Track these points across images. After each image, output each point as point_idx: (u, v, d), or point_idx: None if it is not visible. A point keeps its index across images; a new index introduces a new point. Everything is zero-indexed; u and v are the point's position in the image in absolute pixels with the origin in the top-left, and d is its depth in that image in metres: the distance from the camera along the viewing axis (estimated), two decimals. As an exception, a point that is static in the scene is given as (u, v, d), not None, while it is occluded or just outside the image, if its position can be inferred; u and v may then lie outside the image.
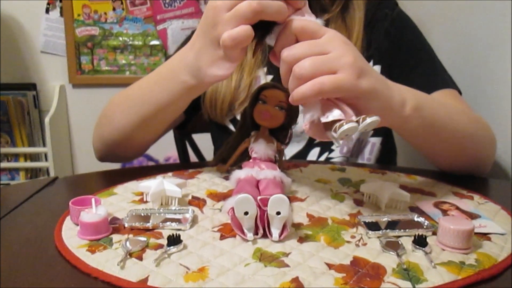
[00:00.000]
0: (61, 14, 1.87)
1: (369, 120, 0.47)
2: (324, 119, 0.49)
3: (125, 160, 0.85)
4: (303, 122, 0.51)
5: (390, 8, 0.91)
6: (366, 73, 0.51)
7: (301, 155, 0.91)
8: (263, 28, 0.52)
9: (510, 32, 0.84)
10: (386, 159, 0.97)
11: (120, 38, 1.89)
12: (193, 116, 0.99)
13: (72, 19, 1.87)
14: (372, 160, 0.93)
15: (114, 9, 1.87)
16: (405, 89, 0.60)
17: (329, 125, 0.49)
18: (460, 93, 0.85)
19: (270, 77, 0.91)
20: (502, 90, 0.88)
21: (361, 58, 0.52)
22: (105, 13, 1.88)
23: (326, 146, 0.90)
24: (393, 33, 0.88)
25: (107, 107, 0.81)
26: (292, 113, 0.64)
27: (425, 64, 0.88)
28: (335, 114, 0.48)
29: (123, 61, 1.91)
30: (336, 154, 0.90)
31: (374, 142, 0.93)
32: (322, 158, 0.90)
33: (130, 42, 1.89)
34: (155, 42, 1.90)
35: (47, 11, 1.87)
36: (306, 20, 0.52)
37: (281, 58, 0.51)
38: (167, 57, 1.02)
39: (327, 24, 0.88)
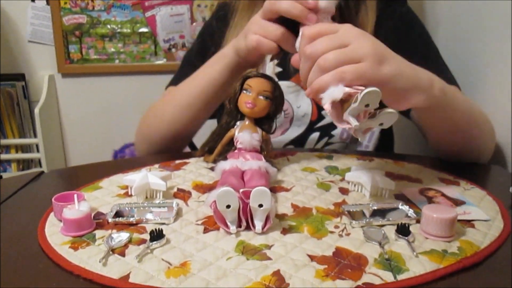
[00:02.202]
0: (48, 2, 1.83)
1: (366, 90, 0.46)
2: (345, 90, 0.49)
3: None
4: (324, 104, 0.51)
5: (399, 5, 0.91)
6: (387, 59, 0.53)
7: (301, 139, 0.91)
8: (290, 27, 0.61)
9: (510, 29, 0.83)
10: (384, 147, 0.97)
11: (108, 26, 1.86)
12: None
13: (59, 7, 1.83)
14: (370, 147, 0.93)
15: (101, -4, 1.83)
16: (429, 72, 0.61)
17: (345, 106, 0.49)
18: None
19: (275, 61, 0.92)
20: (502, 87, 0.87)
21: (380, 45, 0.54)
22: (92, 1, 1.84)
23: (326, 131, 0.90)
24: (401, 29, 0.87)
25: (156, 105, 0.88)
26: (277, 102, 0.64)
27: (431, 61, 0.86)
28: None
29: (112, 49, 1.87)
30: (336, 139, 0.90)
31: (373, 130, 0.92)
32: (322, 142, 0.91)
33: (119, 30, 1.86)
34: (144, 30, 1.86)
35: (33, -1, 1.83)
36: (319, 24, 0.57)
37: (303, 56, 0.54)
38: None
39: None
